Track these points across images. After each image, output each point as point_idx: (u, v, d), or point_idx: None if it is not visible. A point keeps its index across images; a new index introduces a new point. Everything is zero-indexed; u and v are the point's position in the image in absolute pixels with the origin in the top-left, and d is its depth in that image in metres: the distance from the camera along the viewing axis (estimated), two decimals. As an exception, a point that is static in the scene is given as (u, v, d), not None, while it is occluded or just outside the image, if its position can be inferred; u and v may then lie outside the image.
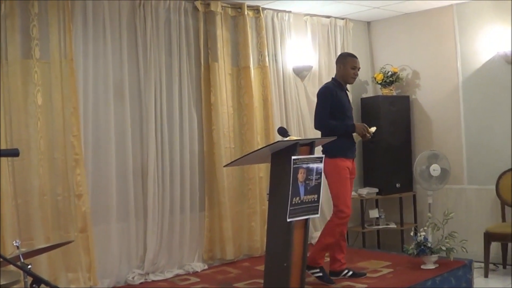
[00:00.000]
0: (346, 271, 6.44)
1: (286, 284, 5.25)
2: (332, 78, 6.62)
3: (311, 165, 5.39)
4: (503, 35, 7.71)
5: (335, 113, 6.25)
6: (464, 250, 6.51)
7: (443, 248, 6.46)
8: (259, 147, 6.59)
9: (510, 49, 7.65)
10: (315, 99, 7.63)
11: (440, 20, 8.48)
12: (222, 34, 7.41)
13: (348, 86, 8.41)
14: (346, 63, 6.45)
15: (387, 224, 8.74)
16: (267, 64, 7.82)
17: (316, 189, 5.47)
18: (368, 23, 9.37)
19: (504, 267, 7.60)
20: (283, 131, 5.82)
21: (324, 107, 6.29)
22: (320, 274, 6.34)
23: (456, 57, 8.31)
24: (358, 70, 6.52)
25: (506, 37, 7.66)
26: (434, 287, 6.18)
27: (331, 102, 6.27)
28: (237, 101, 7.65)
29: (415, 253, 6.52)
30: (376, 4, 8.18)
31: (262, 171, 7.60)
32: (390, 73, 8.80)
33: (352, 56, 6.55)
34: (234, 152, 7.50)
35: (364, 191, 8.64)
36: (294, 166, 5.21)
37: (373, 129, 6.38)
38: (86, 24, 6.41)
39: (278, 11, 8.03)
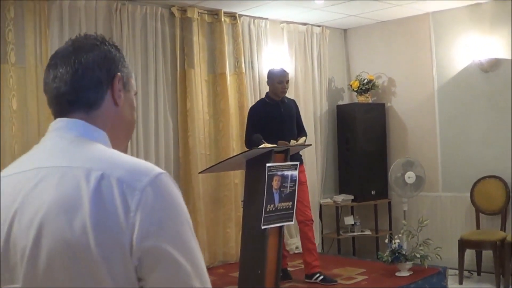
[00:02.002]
0: (318, 274, 6.48)
1: (260, 291, 5.26)
2: (266, 93, 6.92)
3: (286, 173, 5.41)
4: (478, 44, 7.77)
5: (264, 127, 6.48)
6: (439, 257, 6.54)
7: (418, 255, 6.49)
8: (235, 154, 6.60)
9: (486, 58, 7.71)
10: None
11: (416, 28, 8.54)
12: (198, 41, 7.41)
13: (323, 92, 8.60)
14: (273, 79, 6.73)
15: (362, 231, 8.76)
16: (244, 70, 7.83)
17: (291, 197, 5.49)
18: (345, 30, 9.41)
19: (479, 274, 7.64)
20: (257, 138, 5.84)
21: (249, 127, 6.68)
22: (322, 276, 6.46)
23: (432, 65, 8.37)
24: (287, 82, 6.76)
25: (482, 46, 7.73)
26: (408, 294, 6.22)
27: (257, 120, 6.59)
28: (213, 107, 7.65)
29: (390, 260, 6.54)
30: (352, 12, 8.22)
31: (237, 178, 7.60)
32: (366, 80, 8.84)
33: (278, 71, 6.79)
34: (209, 158, 7.50)
35: (340, 198, 8.67)
36: (268, 173, 5.22)
37: (301, 140, 6.52)
38: (62, 29, 6.39)
39: (254, 18, 8.05)
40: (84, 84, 1.51)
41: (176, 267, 1.35)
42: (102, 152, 1.46)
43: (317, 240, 8.59)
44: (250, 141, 6.44)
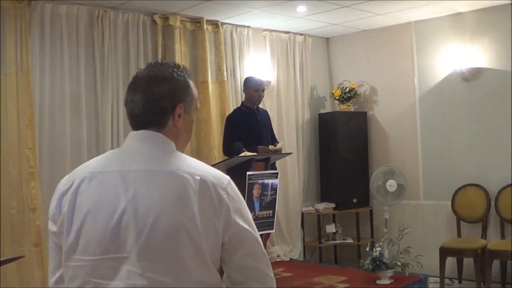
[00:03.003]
0: None
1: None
2: (242, 102, 7.11)
3: (266, 181, 5.42)
4: (460, 53, 7.83)
5: (241, 136, 6.59)
6: (420, 265, 6.55)
7: (399, 263, 6.50)
8: (216, 162, 6.60)
9: (467, 67, 7.77)
10: (273, 115, 7.76)
11: (398, 37, 8.59)
12: (180, 48, 7.40)
13: (305, 101, 8.63)
14: (249, 87, 6.94)
15: (344, 239, 8.76)
16: (226, 79, 7.83)
17: (271, 205, 5.50)
18: (327, 39, 9.44)
19: (460, 282, 7.67)
20: (238, 147, 5.85)
21: (227, 134, 6.87)
22: None
23: (414, 73, 8.41)
24: (263, 91, 6.97)
25: (463, 55, 7.79)
26: (388, 302, 6.23)
27: (235, 128, 6.77)
28: (194, 115, 7.61)
29: (371, 268, 6.54)
30: (335, 21, 8.25)
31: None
32: (348, 89, 8.86)
33: (254, 80, 6.98)
34: (191, 167, 7.46)
35: (321, 206, 8.67)
36: (249, 181, 5.23)
37: (279, 145, 6.67)
38: (43, 35, 6.37)
39: (237, 26, 8.05)
40: (152, 111, 2.01)
41: (254, 239, 2.02)
42: (188, 160, 2.01)
43: (299, 248, 8.61)
44: (230, 149, 6.48)
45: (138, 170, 1.94)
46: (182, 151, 2.08)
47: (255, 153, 5.83)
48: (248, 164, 5.35)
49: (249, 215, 2.06)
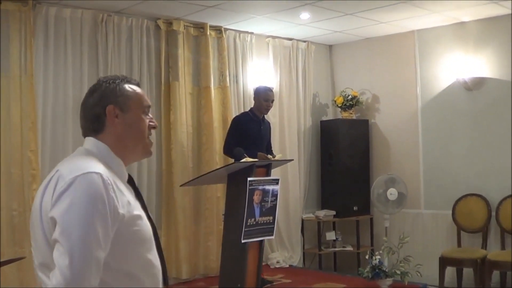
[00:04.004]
0: None
1: (239, 305, 5.26)
2: (250, 108, 7.22)
3: (267, 187, 5.43)
4: (462, 62, 7.84)
5: (243, 140, 6.67)
6: (419, 274, 6.56)
7: (398, 272, 6.51)
8: (218, 167, 6.62)
9: (470, 76, 7.78)
10: (275, 121, 7.79)
11: (401, 46, 8.60)
12: (183, 53, 7.42)
13: (307, 107, 8.67)
14: (260, 96, 7.04)
15: (344, 247, 8.76)
16: (228, 84, 7.85)
17: (272, 211, 5.50)
18: (330, 46, 9.46)
19: (458, 292, 7.69)
20: (240, 152, 5.87)
21: (230, 135, 6.95)
22: None
23: (416, 82, 8.42)
24: (272, 102, 7.12)
25: (466, 64, 7.79)
26: (387, 310, 6.23)
27: (239, 131, 6.87)
28: (196, 120, 7.66)
29: (370, 276, 6.56)
30: (338, 28, 8.27)
31: (219, 191, 7.59)
32: (350, 96, 8.87)
33: (265, 90, 7.10)
34: (192, 171, 7.49)
35: (322, 213, 8.68)
36: (250, 187, 5.24)
37: (278, 156, 6.74)
38: (47, 39, 6.41)
39: (240, 32, 8.08)
40: (89, 120, 2.19)
41: None
42: (83, 160, 2.06)
43: (299, 255, 8.62)
44: (231, 153, 6.52)
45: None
46: (137, 146, 2.23)
47: (256, 159, 5.84)
48: (249, 170, 5.36)
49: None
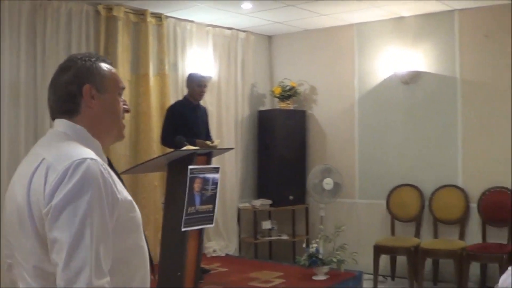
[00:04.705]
0: None
1: (179, 293, 5.25)
2: (184, 95, 7.18)
3: (207, 175, 5.41)
4: (400, 56, 7.99)
5: (180, 129, 6.67)
6: (355, 261, 6.67)
7: (334, 260, 6.60)
8: (155, 156, 6.58)
9: (407, 70, 7.93)
10: (213, 110, 7.78)
11: (340, 38, 8.71)
12: (123, 40, 7.32)
13: (245, 97, 8.68)
14: (193, 82, 7.01)
15: (279, 236, 8.84)
16: (167, 72, 7.80)
17: (212, 199, 5.49)
18: (269, 37, 9.49)
19: (393, 279, 7.85)
20: (181, 140, 5.84)
21: (166, 125, 6.94)
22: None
23: (354, 75, 8.55)
24: (205, 87, 7.09)
25: (403, 58, 7.95)
26: (324, 298, 6.32)
27: (175, 120, 6.85)
28: (134, 108, 7.55)
29: (307, 264, 6.63)
30: (278, 19, 8.31)
31: (156, 180, 7.54)
32: (288, 87, 8.93)
33: (198, 75, 7.09)
34: (129, 160, 7.40)
35: (258, 202, 8.73)
36: (190, 175, 5.21)
37: (216, 142, 6.74)
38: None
39: (181, 20, 8.03)
40: (62, 99, 2.04)
41: None
42: (63, 146, 1.95)
43: (235, 244, 8.65)
44: (169, 143, 6.50)
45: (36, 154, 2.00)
46: (113, 129, 2.11)
47: (197, 147, 5.83)
48: (190, 158, 5.34)
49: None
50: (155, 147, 7.54)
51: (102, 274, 1.76)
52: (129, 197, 1.97)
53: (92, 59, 2.07)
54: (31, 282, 1.88)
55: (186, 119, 6.85)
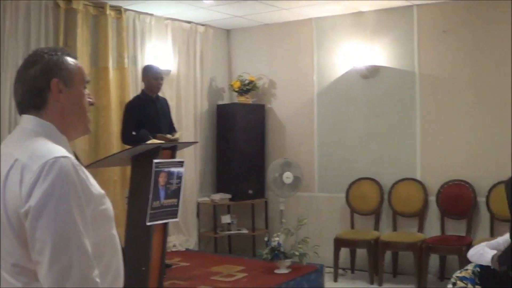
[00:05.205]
0: None
1: (143, 288, 5.21)
2: (142, 89, 7.03)
3: (172, 169, 5.38)
4: (359, 51, 8.05)
5: (141, 125, 6.59)
6: (317, 255, 6.70)
7: (296, 253, 6.62)
8: (116, 151, 6.52)
9: (366, 64, 8.00)
10: (172, 104, 7.72)
11: (299, 33, 8.74)
12: (82, 33, 7.21)
13: (204, 91, 8.65)
14: (148, 75, 6.91)
15: (239, 230, 8.84)
16: (126, 66, 7.71)
17: (176, 193, 5.47)
18: (228, 31, 9.47)
19: (352, 272, 7.93)
20: (145, 134, 5.80)
21: (126, 122, 6.80)
22: None
23: (313, 69, 8.59)
24: (162, 79, 6.97)
25: (362, 53, 8.02)
26: (287, 291, 6.34)
27: (134, 116, 6.71)
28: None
29: (269, 258, 6.64)
30: (237, 13, 8.30)
31: (116, 174, 7.47)
32: (247, 81, 8.93)
33: (153, 68, 6.99)
34: (89, 154, 7.29)
35: (217, 196, 8.71)
36: (155, 169, 5.18)
37: (177, 134, 6.73)
38: None
39: (140, 13, 7.95)
40: (29, 94, 2.04)
41: None
42: (34, 143, 1.95)
43: (194, 238, 8.63)
44: (130, 140, 6.42)
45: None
46: (80, 123, 2.12)
47: (162, 141, 5.79)
48: (154, 152, 5.30)
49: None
50: (115, 142, 7.46)
51: (92, 267, 1.81)
52: (101, 190, 2.00)
53: (59, 53, 2.08)
54: (12, 281, 1.88)
55: (146, 114, 6.74)
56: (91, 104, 2.17)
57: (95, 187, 1.96)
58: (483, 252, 4.59)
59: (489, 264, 4.42)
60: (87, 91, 2.16)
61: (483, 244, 4.79)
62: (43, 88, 2.02)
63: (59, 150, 1.89)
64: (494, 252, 4.44)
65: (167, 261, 7.06)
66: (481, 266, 4.70)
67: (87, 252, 1.80)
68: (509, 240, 4.07)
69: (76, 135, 2.16)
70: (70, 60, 2.10)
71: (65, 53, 2.11)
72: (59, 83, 2.03)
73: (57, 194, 1.78)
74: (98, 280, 1.81)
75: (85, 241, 1.80)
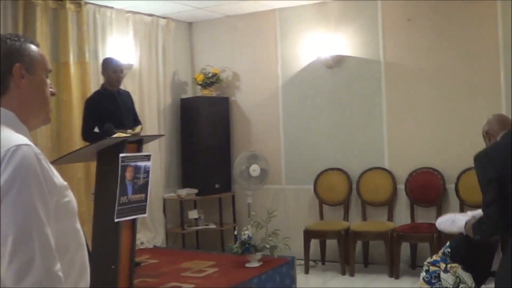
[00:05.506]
0: None
1: (114, 287, 5.07)
2: (102, 84, 6.86)
3: (139, 163, 5.25)
4: (324, 41, 7.99)
5: (102, 120, 6.44)
6: (288, 247, 6.63)
7: (267, 246, 6.54)
8: (78, 147, 6.35)
9: (330, 54, 7.94)
10: (135, 98, 7.57)
11: (262, 24, 8.65)
12: (41, 27, 7.02)
13: (167, 85, 8.51)
14: (108, 68, 6.72)
15: (207, 225, 8.73)
16: (87, 60, 7.54)
17: (144, 188, 5.34)
18: (190, 23, 9.34)
19: (323, 263, 7.88)
20: (109, 128, 5.66)
21: (86, 119, 6.62)
22: None
23: (277, 60, 8.51)
24: (122, 72, 6.79)
25: (327, 43, 7.95)
26: (260, 285, 6.23)
27: (95, 112, 6.54)
28: (55, 98, 7.29)
29: (240, 252, 6.55)
30: (198, 5, 8.18)
31: (80, 172, 7.30)
32: (210, 74, 8.81)
33: (112, 61, 6.79)
34: (51, 152, 7.11)
35: (183, 192, 8.59)
36: (122, 164, 5.04)
37: (137, 129, 6.63)
38: None
39: (100, 6, 7.78)
40: None
41: None
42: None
43: (162, 235, 8.50)
44: (91, 137, 6.27)
45: None
46: (41, 111, 2.04)
47: (128, 134, 5.66)
48: (120, 146, 5.16)
49: None
50: (77, 139, 7.27)
51: (55, 260, 1.74)
52: (64, 182, 1.93)
53: (21, 40, 2.02)
54: None
55: (107, 109, 6.56)
56: (53, 94, 2.11)
57: (58, 178, 1.89)
58: (454, 219, 4.50)
59: (462, 230, 4.32)
60: (48, 80, 2.10)
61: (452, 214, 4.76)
62: (4, 72, 1.95)
63: (21, 138, 1.83)
64: (468, 218, 4.36)
65: (136, 259, 6.95)
66: (450, 246, 4.67)
67: (50, 244, 1.74)
68: (481, 213, 4.02)
69: (36, 124, 2.09)
70: (33, 47, 2.05)
71: (28, 40, 2.05)
72: (21, 68, 1.97)
73: (18, 183, 1.72)
74: (61, 274, 1.74)
75: (48, 232, 1.74)
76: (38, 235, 1.70)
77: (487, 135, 4.15)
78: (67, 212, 1.91)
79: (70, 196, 1.94)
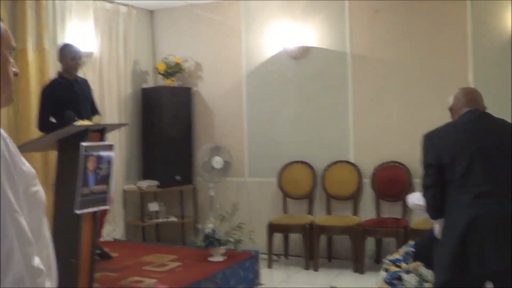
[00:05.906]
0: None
1: (74, 282, 4.89)
2: (58, 72, 6.59)
3: (101, 153, 5.09)
4: (289, 31, 7.86)
5: (59, 109, 6.19)
6: (253, 241, 6.52)
7: (232, 240, 6.41)
8: (35, 137, 6.14)
9: (296, 45, 7.82)
10: (94, 88, 7.36)
11: (226, 13, 8.49)
12: (-2, 12, 6.79)
13: (128, 74, 8.29)
14: (65, 55, 6.46)
15: (167, 218, 8.57)
16: (46, 47, 7.29)
17: (106, 179, 5.18)
18: (152, 11, 9.13)
19: (286, 258, 7.77)
20: (71, 116, 5.47)
21: (43, 108, 6.37)
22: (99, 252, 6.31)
23: (241, 51, 8.36)
24: (80, 59, 6.56)
25: (293, 33, 7.84)
26: (224, 279, 6.11)
27: (51, 101, 6.31)
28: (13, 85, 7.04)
29: (204, 246, 6.41)
30: (161, -8, 7.99)
31: (37, 162, 7.06)
32: (172, 63, 8.63)
33: (70, 48, 6.55)
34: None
35: (144, 184, 8.40)
36: (84, 153, 4.86)
37: (94, 119, 6.43)
38: None
39: (60, -8, 7.55)
40: None
41: None
42: None
43: (121, 228, 8.31)
44: (47, 128, 6.07)
45: None
46: (5, 90, 1.87)
47: (91, 123, 5.46)
48: (82, 135, 4.97)
49: None
50: (34, 128, 7.05)
51: (32, 250, 1.63)
52: (33, 170, 1.80)
53: None
54: None
55: (65, 98, 6.31)
56: (15, 74, 1.93)
57: (26, 164, 1.76)
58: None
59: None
60: (12, 59, 1.92)
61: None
62: None
63: None
64: None
65: (110, 252, 6.80)
66: (415, 245, 4.61)
67: (26, 233, 1.61)
68: None
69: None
70: None
71: None
72: None
73: None
74: (42, 267, 1.63)
75: (23, 221, 1.61)
76: (13, 223, 1.56)
77: (451, 111, 4.10)
78: (35, 203, 1.76)
79: (39, 186, 1.79)
